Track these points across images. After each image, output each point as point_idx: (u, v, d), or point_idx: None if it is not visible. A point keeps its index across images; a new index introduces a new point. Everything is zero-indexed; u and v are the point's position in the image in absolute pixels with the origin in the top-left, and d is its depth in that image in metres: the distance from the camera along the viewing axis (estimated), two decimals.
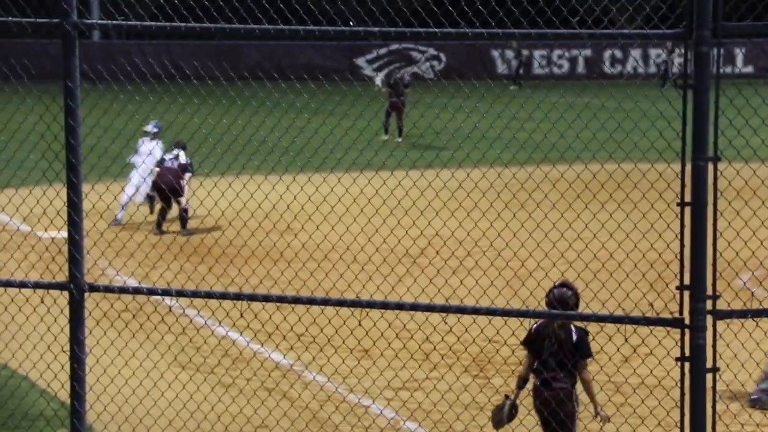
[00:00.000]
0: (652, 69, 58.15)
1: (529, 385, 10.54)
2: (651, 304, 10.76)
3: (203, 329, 15.50)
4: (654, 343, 10.47)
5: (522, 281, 16.30)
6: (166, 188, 23.38)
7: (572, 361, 10.42)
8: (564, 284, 10.61)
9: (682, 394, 7.96)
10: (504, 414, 10.43)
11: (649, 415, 11.52)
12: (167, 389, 12.22)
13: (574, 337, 10.51)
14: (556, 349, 10.39)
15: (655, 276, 14.33)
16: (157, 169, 23.64)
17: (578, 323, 10.61)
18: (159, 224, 23.46)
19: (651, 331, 10.52)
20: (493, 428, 10.67)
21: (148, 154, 23.55)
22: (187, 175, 23.74)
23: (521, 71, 54.38)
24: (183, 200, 23.55)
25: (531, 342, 10.53)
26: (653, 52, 59.65)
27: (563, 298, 10.46)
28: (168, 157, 24.12)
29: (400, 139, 36.35)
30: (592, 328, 13.10)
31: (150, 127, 24.32)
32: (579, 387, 10.47)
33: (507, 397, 10.50)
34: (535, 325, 10.59)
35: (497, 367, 14.25)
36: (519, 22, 9.68)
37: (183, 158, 23.85)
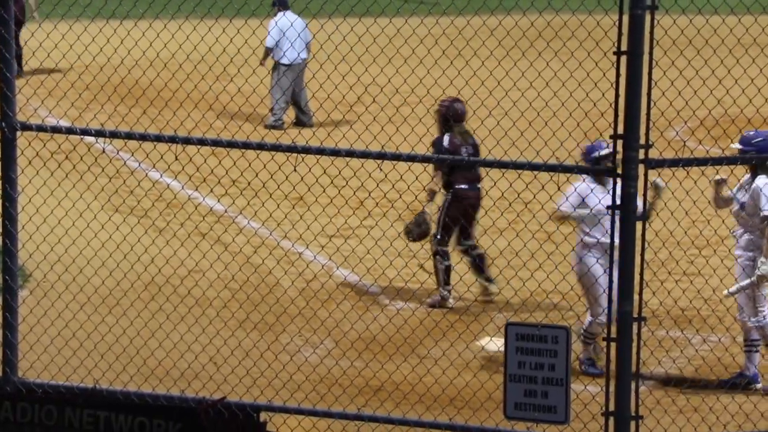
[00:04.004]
0: None
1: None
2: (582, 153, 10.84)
3: (137, 172, 15.44)
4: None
5: None
6: None
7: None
8: (458, 99, 12.13)
9: (612, 242, 8.04)
10: (424, 227, 11.38)
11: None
12: (100, 231, 12.18)
13: (479, 141, 11.98)
14: (474, 152, 11.75)
15: (589, 125, 14.39)
16: None
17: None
18: None
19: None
20: (410, 240, 11.57)
21: None
22: None
23: None
24: None
25: (442, 154, 11.32)
26: None
27: (463, 112, 12.01)
28: None
29: None
30: (525, 176, 13.20)
31: None
32: None
33: (423, 212, 11.34)
34: (444, 140, 11.40)
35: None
36: None
37: None
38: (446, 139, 11.68)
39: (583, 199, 10.75)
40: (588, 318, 10.94)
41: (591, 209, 10.76)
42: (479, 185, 11.70)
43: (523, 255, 11.87)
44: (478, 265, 11.65)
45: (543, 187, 12.35)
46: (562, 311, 11.19)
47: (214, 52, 19.00)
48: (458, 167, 11.58)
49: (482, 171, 12.42)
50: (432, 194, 11.71)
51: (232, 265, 12.33)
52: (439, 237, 11.61)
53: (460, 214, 11.70)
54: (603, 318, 10.25)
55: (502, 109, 16.33)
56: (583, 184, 10.95)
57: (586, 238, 10.82)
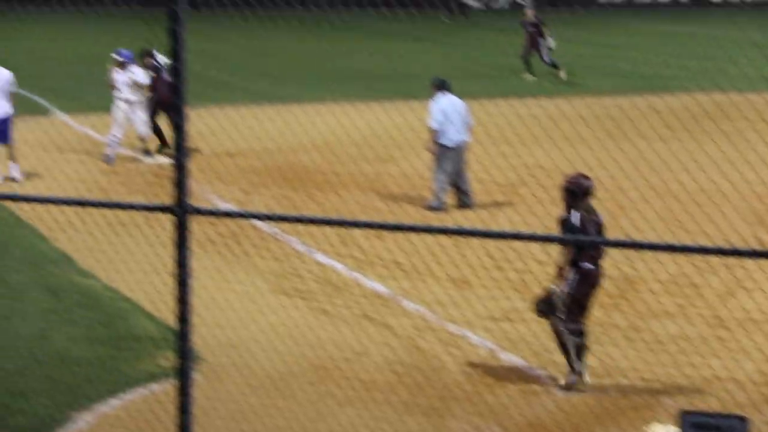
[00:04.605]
0: None
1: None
2: (758, 237, 10.61)
3: (304, 256, 15.59)
4: (760, 278, 10.33)
5: (624, 211, 16.17)
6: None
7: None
8: (584, 175, 11.49)
9: None
10: (551, 303, 11.19)
11: (755, 350, 11.39)
12: (269, 313, 12.31)
13: (601, 218, 11.43)
14: (597, 230, 11.30)
15: (762, 209, 14.14)
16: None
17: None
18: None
19: (758, 265, 10.43)
20: (539, 316, 11.40)
21: (126, 83, 21.33)
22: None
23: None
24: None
25: (573, 232, 11.30)
26: None
27: (590, 188, 11.32)
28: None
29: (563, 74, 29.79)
30: (695, 260, 12.97)
31: (119, 56, 21.52)
32: None
33: (552, 289, 11.13)
34: (573, 217, 11.23)
35: (599, 298, 14.15)
36: None
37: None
38: (576, 216, 11.58)
39: None
40: None
41: None
42: (599, 263, 11.61)
43: (694, 340, 11.63)
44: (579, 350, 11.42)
45: (714, 272, 12.17)
46: (737, 399, 10.91)
47: (378, 137, 19.20)
48: (585, 248, 11.46)
49: (647, 253, 12.17)
50: (561, 272, 11.61)
51: (397, 347, 12.33)
52: (563, 317, 11.41)
53: (585, 294, 11.58)
54: None
55: (670, 191, 16.15)
56: None
57: None
